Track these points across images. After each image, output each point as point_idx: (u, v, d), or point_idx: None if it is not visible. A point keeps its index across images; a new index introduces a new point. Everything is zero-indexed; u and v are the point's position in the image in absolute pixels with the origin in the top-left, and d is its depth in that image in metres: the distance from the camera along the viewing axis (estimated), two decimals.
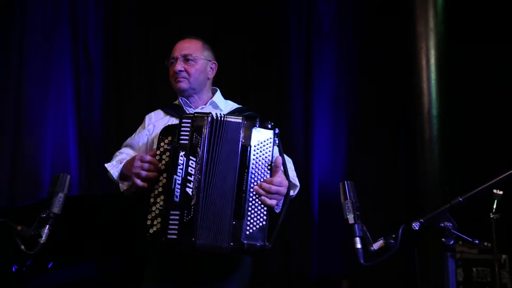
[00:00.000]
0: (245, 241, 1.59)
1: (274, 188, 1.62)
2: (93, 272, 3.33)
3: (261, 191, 1.62)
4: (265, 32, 4.24)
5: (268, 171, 1.65)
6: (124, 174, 1.79)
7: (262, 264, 4.03)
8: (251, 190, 1.63)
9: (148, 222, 1.61)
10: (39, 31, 3.84)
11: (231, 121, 1.66)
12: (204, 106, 1.94)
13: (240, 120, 1.66)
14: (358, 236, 1.49)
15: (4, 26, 3.74)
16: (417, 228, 1.43)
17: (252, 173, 1.63)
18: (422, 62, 2.99)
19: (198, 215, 1.58)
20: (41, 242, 1.53)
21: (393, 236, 1.45)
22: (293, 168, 1.85)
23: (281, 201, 1.68)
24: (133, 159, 1.72)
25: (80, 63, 3.97)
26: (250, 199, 1.62)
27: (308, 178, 4.11)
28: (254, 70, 4.26)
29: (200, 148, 1.61)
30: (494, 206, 2.69)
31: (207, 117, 1.64)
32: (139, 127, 2.01)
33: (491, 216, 2.67)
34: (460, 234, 1.38)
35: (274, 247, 4.45)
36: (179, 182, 1.59)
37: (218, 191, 1.61)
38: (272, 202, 1.63)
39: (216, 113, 1.69)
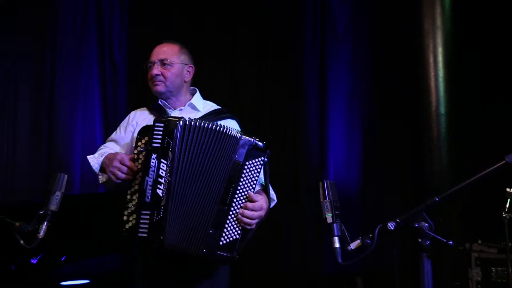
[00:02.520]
0: (217, 251, 1.66)
1: (256, 214, 1.69)
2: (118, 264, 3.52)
3: (243, 218, 1.68)
4: (280, 33, 4.29)
5: (253, 189, 1.71)
6: (103, 167, 1.85)
7: (279, 262, 4.10)
8: (233, 205, 1.68)
9: (125, 218, 1.69)
10: (69, 38, 4.13)
11: (227, 133, 1.68)
12: (182, 108, 1.98)
13: (237, 136, 1.69)
14: (337, 236, 1.51)
15: (40, 35, 4.05)
16: (392, 228, 1.42)
17: (238, 189, 1.68)
18: (429, 60, 2.94)
19: (168, 216, 1.64)
20: (40, 237, 1.63)
21: (370, 235, 1.46)
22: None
23: None
24: (114, 156, 1.79)
25: (106, 68, 4.22)
26: (231, 213, 1.68)
27: (323, 177, 4.13)
28: (269, 70, 4.32)
29: (171, 151, 1.65)
30: (507, 205, 2.64)
31: (179, 121, 1.68)
32: (123, 122, 2.06)
33: (504, 215, 2.62)
34: (434, 235, 1.38)
35: (290, 245, 4.50)
36: (151, 183, 1.65)
37: (195, 196, 1.67)
38: (253, 226, 1.71)
39: (195, 119, 1.73)
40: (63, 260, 2.62)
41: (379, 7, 3.93)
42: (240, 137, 1.69)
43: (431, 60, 2.93)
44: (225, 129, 1.69)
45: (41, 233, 1.62)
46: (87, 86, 4.14)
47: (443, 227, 2.98)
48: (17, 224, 1.62)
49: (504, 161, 1.37)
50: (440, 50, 2.92)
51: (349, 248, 1.48)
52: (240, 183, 1.67)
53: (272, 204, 1.89)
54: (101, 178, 1.90)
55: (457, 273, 2.93)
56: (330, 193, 1.55)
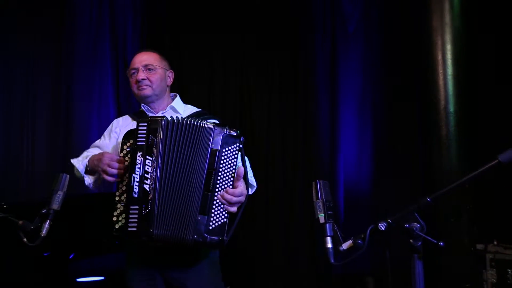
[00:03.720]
0: (207, 235, 1.74)
1: (235, 199, 1.77)
2: None
3: (224, 201, 1.77)
4: (290, 32, 4.29)
5: (233, 174, 1.80)
6: (91, 168, 1.93)
7: (291, 261, 4.11)
8: (217, 190, 1.77)
9: (114, 219, 1.77)
10: (85, 41, 4.26)
11: (202, 126, 1.79)
12: (164, 111, 2.07)
13: (211, 126, 1.79)
14: (329, 236, 1.51)
15: (57, 38, 4.19)
16: (383, 229, 1.42)
17: (219, 175, 1.77)
18: (437, 57, 2.89)
19: (155, 209, 1.72)
20: (42, 235, 1.68)
21: (362, 236, 1.45)
22: (249, 167, 1.98)
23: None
24: (101, 155, 1.87)
25: (120, 70, 4.34)
26: (215, 198, 1.77)
27: (333, 178, 4.12)
28: (279, 70, 4.32)
29: (155, 148, 1.75)
30: None
31: (161, 120, 1.77)
32: (106, 130, 2.15)
33: None
34: (424, 236, 1.36)
35: (301, 245, 4.51)
36: (137, 179, 1.73)
37: (181, 187, 1.75)
38: (234, 209, 1.80)
39: (176, 116, 1.83)
40: (76, 257, 2.68)
41: (391, 5, 3.89)
42: (214, 128, 1.79)
43: (440, 57, 2.87)
44: (200, 123, 1.80)
45: (44, 231, 1.67)
46: (101, 88, 4.27)
47: (453, 227, 2.94)
48: (20, 222, 1.67)
49: (497, 160, 1.34)
50: (448, 47, 2.87)
51: (341, 248, 1.48)
52: (220, 169, 1.77)
53: (252, 191, 2.00)
54: (87, 180, 1.99)
55: (467, 274, 2.88)
56: (323, 193, 1.54)
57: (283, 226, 4.13)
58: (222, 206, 1.78)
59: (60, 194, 1.73)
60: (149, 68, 2.03)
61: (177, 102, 2.13)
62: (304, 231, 4.09)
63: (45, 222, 1.68)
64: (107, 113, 4.31)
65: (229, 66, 4.32)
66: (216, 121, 2.02)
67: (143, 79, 2.02)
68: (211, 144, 1.77)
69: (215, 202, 1.77)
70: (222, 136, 1.79)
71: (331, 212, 1.55)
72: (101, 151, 2.02)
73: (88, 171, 1.97)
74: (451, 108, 2.84)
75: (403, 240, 1.40)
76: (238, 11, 4.29)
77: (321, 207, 1.54)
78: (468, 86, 2.91)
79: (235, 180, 1.79)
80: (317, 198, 1.55)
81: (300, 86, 4.28)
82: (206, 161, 1.76)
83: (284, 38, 4.28)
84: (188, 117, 1.97)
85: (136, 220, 1.72)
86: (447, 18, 2.87)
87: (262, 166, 4.05)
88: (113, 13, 4.33)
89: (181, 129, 1.78)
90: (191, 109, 2.14)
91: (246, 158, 1.91)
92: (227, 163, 1.79)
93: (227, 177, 1.79)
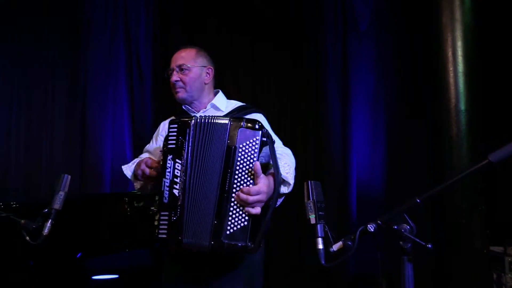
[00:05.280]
0: (225, 241, 1.60)
1: (252, 198, 1.60)
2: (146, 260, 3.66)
3: (241, 202, 1.61)
4: (301, 31, 4.27)
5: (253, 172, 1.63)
6: (136, 173, 1.90)
7: (302, 261, 4.09)
8: (234, 190, 1.62)
9: (155, 223, 1.71)
10: (100, 45, 4.37)
11: (217, 122, 1.67)
12: (205, 109, 1.99)
13: (226, 121, 1.66)
14: (320, 237, 1.50)
15: (73, 45, 4.31)
16: (372, 230, 1.39)
17: (236, 174, 1.62)
18: (448, 54, 2.81)
19: (184, 215, 1.64)
20: (44, 234, 1.72)
21: (351, 237, 1.43)
22: (290, 162, 1.79)
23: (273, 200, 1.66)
24: (141, 160, 1.85)
25: (134, 72, 4.43)
26: (233, 199, 1.63)
27: (346, 178, 4.08)
28: (289, 70, 4.30)
29: (185, 150, 1.66)
30: None
31: (191, 120, 1.69)
32: (155, 133, 2.11)
33: None
34: (412, 237, 1.33)
35: (313, 246, 4.50)
36: (168, 184, 1.67)
37: (202, 191, 1.64)
38: (255, 210, 1.61)
39: (201, 116, 1.73)
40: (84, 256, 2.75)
41: (402, 2, 3.82)
42: (230, 122, 1.65)
43: (450, 54, 2.79)
44: (214, 119, 1.68)
45: (46, 231, 1.70)
46: (115, 92, 4.37)
47: (465, 229, 2.87)
48: (23, 221, 1.72)
49: (487, 160, 1.31)
50: (459, 44, 2.79)
51: (331, 250, 1.46)
52: (237, 167, 1.62)
53: (288, 189, 1.75)
54: (136, 185, 1.99)
55: (479, 276, 2.80)
56: (315, 193, 1.52)
57: (295, 227, 4.12)
58: (241, 208, 1.62)
59: (61, 194, 1.77)
60: (183, 68, 1.95)
61: (219, 99, 2.01)
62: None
63: (47, 221, 1.72)
64: (120, 117, 4.40)
65: (239, 66, 4.34)
66: (262, 116, 1.93)
67: (176, 81, 1.95)
68: (227, 140, 1.63)
69: (232, 204, 1.62)
70: (239, 131, 1.63)
71: (322, 213, 1.53)
72: (149, 156, 1.99)
73: (135, 176, 1.93)
74: (462, 106, 2.76)
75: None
76: (249, 12, 4.30)
77: (312, 208, 1.52)
78: (480, 83, 2.82)
79: (254, 177, 1.61)
80: (308, 198, 1.53)
81: (311, 86, 4.25)
82: (221, 160, 1.63)
83: (295, 38, 4.26)
84: (231, 115, 1.86)
85: (166, 226, 1.66)
86: (458, 14, 2.79)
87: None
88: (126, 16, 4.42)
89: (203, 128, 1.67)
90: (234, 104, 2.01)
91: (277, 151, 1.73)
92: (245, 160, 1.63)
93: (245, 175, 1.62)
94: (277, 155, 1.72)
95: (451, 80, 2.79)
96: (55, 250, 2.43)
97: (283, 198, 1.79)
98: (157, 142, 2.05)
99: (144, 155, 2.06)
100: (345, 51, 4.09)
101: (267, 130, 1.69)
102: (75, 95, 4.32)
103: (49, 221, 1.73)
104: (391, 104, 3.97)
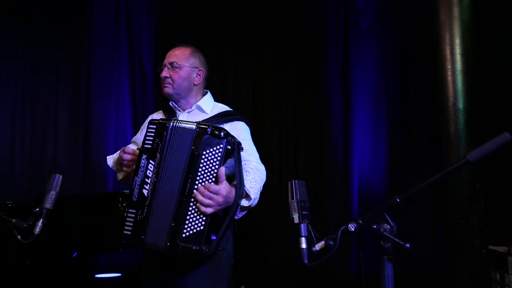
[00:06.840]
0: (181, 243, 1.64)
1: (207, 193, 1.63)
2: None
3: (198, 195, 1.64)
4: (302, 30, 4.26)
5: (214, 179, 1.66)
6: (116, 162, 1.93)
7: (303, 263, 4.08)
8: (193, 195, 1.65)
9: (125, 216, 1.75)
10: (103, 44, 4.43)
11: (185, 127, 1.70)
12: (190, 110, 2.01)
13: (193, 127, 1.69)
14: (304, 236, 1.50)
15: (78, 46, 4.39)
16: (353, 230, 1.39)
17: (197, 179, 1.66)
18: (445, 52, 2.78)
19: (150, 216, 1.68)
20: (35, 233, 1.75)
21: (333, 237, 1.43)
22: (259, 179, 1.82)
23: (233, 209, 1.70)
24: (122, 149, 1.87)
25: (136, 71, 4.47)
26: (191, 204, 1.66)
27: (347, 177, 4.06)
28: (292, 70, 4.30)
29: (159, 152, 1.69)
30: None
31: (169, 123, 1.71)
32: (143, 125, 2.14)
33: None
34: (391, 237, 1.32)
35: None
36: (138, 183, 1.71)
37: (167, 194, 1.68)
38: (207, 209, 1.64)
39: (179, 119, 1.76)
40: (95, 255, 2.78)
41: (404, 1, 3.79)
42: (196, 128, 1.68)
43: (448, 52, 2.76)
44: (184, 124, 1.71)
45: (37, 229, 1.72)
46: (118, 90, 4.42)
47: (464, 228, 2.83)
48: (14, 220, 1.75)
49: (465, 159, 1.30)
50: (457, 41, 2.75)
51: (314, 249, 1.47)
52: (199, 173, 1.65)
53: (249, 202, 1.77)
54: (119, 176, 2.01)
55: (477, 276, 2.77)
56: (298, 193, 1.52)
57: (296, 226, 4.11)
58: (199, 213, 1.65)
59: (52, 194, 1.78)
60: (174, 66, 1.96)
61: (205, 101, 2.03)
62: (317, 231, 4.05)
63: (38, 220, 1.74)
64: (123, 115, 4.45)
65: (241, 66, 4.35)
66: (245, 124, 1.95)
67: (165, 77, 1.96)
68: (191, 146, 1.67)
69: (191, 209, 1.65)
70: (204, 138, 1.66)
71: (306, 212, 1.54)
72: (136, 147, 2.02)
73: (119, 166, 1.94)
74: (460, 105, 2.73)
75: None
76: (251, 12, 4.31)
77: (296, 207, 1.53)
78: (478, 82, 2.78)
79: (217, 182, 1.65)
80: (292, 198, 1.53)
81: (313, 85, 4.24)
82: (185, 165, 1.66)
83: (296, 37, 4.26)
84: (212, 120, 1.90)
85: (131, 224, 1.70)
86: (456, 11, 2.76)
87: (276, 167, 4.04)
88: (129, 16, 4.46)
89: (176, 132, 1.70)
90: (219, 108, 2.03)
91: (250, 165, 1.78)
92: (208, 167, 1.66)
93: (206, 182, 1.66)
94: (248, 169, 1.78)
95: (449, 78, 2.76)
96: (51, 249, 2.46)
97: (245, 212, 1.82)
98: (142, 134, 2.06)
99: (130, 146, 2.08)
100: (347, 50, 4.08)
101: (233, 138, 1.71)
102: (79, 93, 4.38)
103: (41, 220, 1.75)
104: (392, 104, 3.94)
